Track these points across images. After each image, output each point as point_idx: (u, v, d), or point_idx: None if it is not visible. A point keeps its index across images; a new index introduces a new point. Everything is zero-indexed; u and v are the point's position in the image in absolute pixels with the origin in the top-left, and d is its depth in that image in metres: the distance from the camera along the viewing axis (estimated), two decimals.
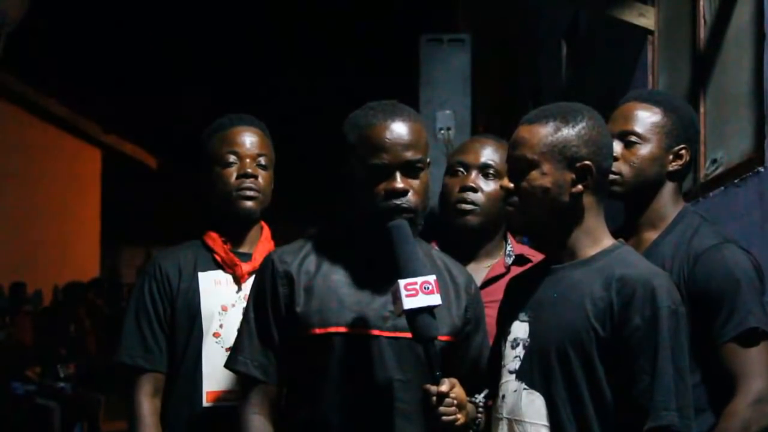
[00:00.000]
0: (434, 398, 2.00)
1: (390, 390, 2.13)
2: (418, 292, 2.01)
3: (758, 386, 2.17)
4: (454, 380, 2.04)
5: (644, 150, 2.38)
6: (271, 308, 2.20)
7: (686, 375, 1.91)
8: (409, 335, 2.09)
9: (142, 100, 14.19)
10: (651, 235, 2.39)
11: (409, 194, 2.14)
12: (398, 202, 2.13)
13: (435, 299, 2.02)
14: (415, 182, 2.15)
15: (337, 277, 2.19)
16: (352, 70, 12.26)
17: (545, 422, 1.96)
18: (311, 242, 2.27)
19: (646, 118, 2.40)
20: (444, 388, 2.00)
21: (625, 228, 2.44)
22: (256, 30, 12.27)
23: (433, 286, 2.02)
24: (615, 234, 2.19)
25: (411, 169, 2.15)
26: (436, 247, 2.58)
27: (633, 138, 2.38)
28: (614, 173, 2.35)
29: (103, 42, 12.31)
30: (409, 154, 2.14)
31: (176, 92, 13.89)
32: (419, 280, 2.02)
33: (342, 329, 2.14)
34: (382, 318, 2.15)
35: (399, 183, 2.13)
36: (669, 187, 2.41)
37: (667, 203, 2.40)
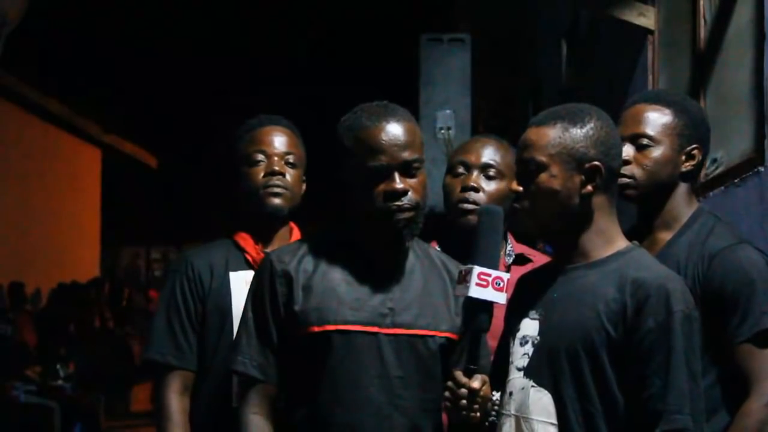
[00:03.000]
0: (464, 391, 2.01)
1: (389, 387, 2.14)
2: (489, 285, 2.02)
3: None
4: (486, 378, 2.05)
5: (657, 152, 2.37)
6: (269, 307, 2.21)
7: (699, 379, 1.91)
8: (407, 331, 2.10)
9: (143, 100, 14.18)
10: (665, 236, 2.38)
11: (409, 194, 2.15)
12: (399, 203, 2.13)
13: (501, 298, 2.04)
14: (414, 181, 2.16)
15: (336, 275, 2.20)
16: (352, 69, 12.25)
17: (553, 420, 1.96)
18: (309, 242, 2.28)
19: (656, 120, 2.38)
20: (476, 384, 2.01)
21: (639, 229, 2.44)
22: (256, 29, 12.28)
23: (504, 285, 2.04)
24: (629, 235, 2.19)
25: (409, 169, 2.16)
26: (437, 247, 2.59)
27: (645, 141, 2.37)
28: (627, 177, 2.35)
29: (103, 41, 12.31)
30: (406, 155, 2.15)
31: (177, 92, 13.89)
32: (494, 273, 2.03)
33: (340, 327, 2.14)
34: (380, 315, 2.16)
35: (398, 184, 2.13)
36: (682, 188, 2.40)
37: (681, 204, 2.40)
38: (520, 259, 2.68)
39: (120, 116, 14.31)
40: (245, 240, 2.66)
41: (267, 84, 13.14)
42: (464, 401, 2.01)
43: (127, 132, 15.24)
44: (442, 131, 6.54)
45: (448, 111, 6.54)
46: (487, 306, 2.04)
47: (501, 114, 10.84)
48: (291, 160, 2.67)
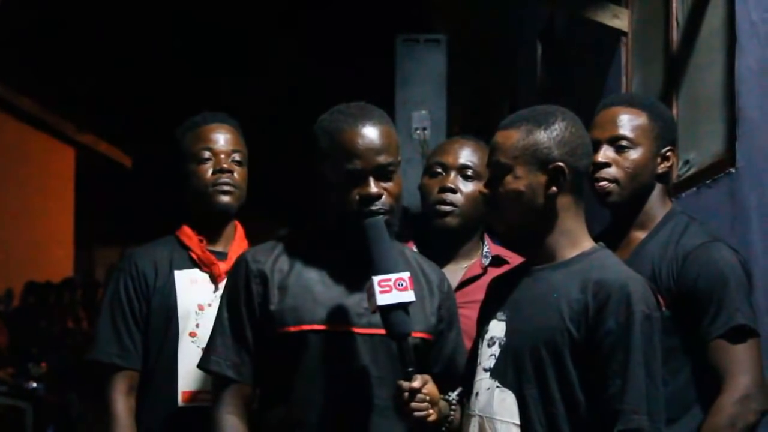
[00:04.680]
0: (406, 394, 2.01)
1: (365, 387, 2.14)
2: (392, 289, 2.03)
3: (745, 382, 2.20)
4: (427, 377, 2.05)
5: (636, 154, 2.40)
6: (244, 307, 2.20)
7: (658, 380, 1.93)
8: (383, 331, 2.11)
9: (117, 99, 14.11)
10: (639, 236, 2.41)
11: (384, 197, 2.15)
12: (373, 207, 2.14)
13: (408, 296, 2.04)
14: (389, 185, 2.17)
15: (311, 275, 2.20)
16: (328, 69, 12.25)
17: (516, 420, 1.97)
18: (284, 242, 2.28)
19: (634, 123, 2.41)
20: (416, 384, 2.02)
21: (613, 229, 2.47)
22: (232, 28, 12.25)
23: (407, 283, 2.04)
24: (603, 235, 2.20)
25: (384, 173, 2.16)
26: (414, 248, 2.60)
27: (624, 143, 2.40)
28: (609, 180, 2.38)
29: (78, 41, 12.23)
30: (382, 159, 2.15)
31: (152, 91, 13.83)
32: (393, 276, 2.03)
33: (316, 327, 2.15)
34: (356, 315, 2.16)
35: (373, 188, 2.14)
36: (658, 189, 2.44)
37: (656, 204, 2.43)
38: (497, 261, 2.69)
39: (94, 116, 14.23)
40: (189, 238, 2.66)
41: (242, 83, 13.11)
42: (409, 403, 2.01)
43: (102, 132, 15.15)
44: (418, 131, 6.56)
45: (423, 111, 6.57)
46: (401, 308, 2.03)
47: (477, 115, 10.87)
48: (237, 158, 2.67)
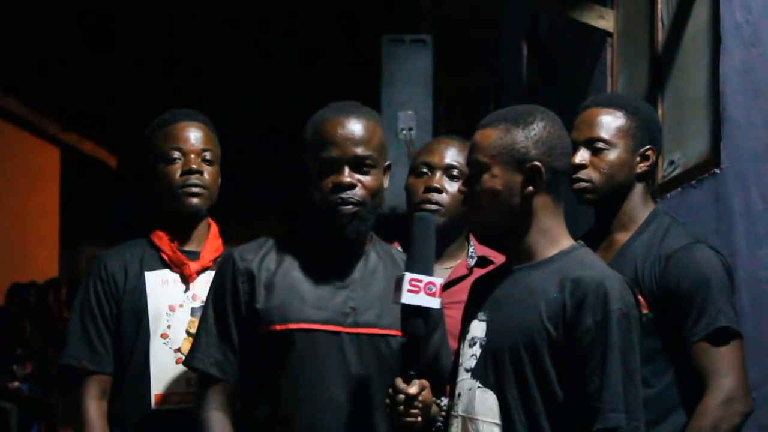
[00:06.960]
0: (402, 397, 2.01)
1: (350, 386, 2.15)
2: (421, 291, 2.02)
3: (729, 385, 2.21)
4: (425, 382, 2.05)
5: (612, 155, 2.41)
6: (230, 305, 2.20)
7: (636, 377, 1.92)
8: (369, 331, 2.11)
9: (103, 99, 14.06)
10: (622, 237, 2.42)
11: (357, 188, 2.15)
12: (344, 195, 2.14)
13: (435, 302, 2.03)
14: (365, 178, 2.17)
15: (298, 273, 2.20)
16: (313, 69, 12.23)
17: (498, 420, 1.97)
18: (272, 240, 2.28)
19: (610, 123, 2.42)
20: (413, 390, 2.02)
21: (597, 231, 2.47)
22: (216, 27, 12.20)
23: (436, 289, 2.03)
24: (587, 237, 2.20)
25: (360, 165, 2.17)
26: (399, 248, 2.60)
27: (600, 144, 2.41)
28: (585, 181, 2.39)
29: (63, 40, 12.18)
30: (359, 150, 2.16)
31: (137, 91, 13.78)
32: (425, 279, 2.03)
33: (303, 325, 2.15)
34: (342, 314, 2.17)
35: (346, 177, 2.14)
36: (638, 189, 2.44)
37: (638, 205, 2.44)
38: (483, 261, 2.69)
39: (80, 115, 14.18)
40: (161, 239, 2.62)
41: (226, 84, 13.08)
42: (402, 407, 2.02)
43: (87, 131, 15.09)
44: (404, 132, 6.57)
45: (409, 112, 6.58)
46: (422, 311, 2.03)
47: (462, 115, 10.89)
48: (208, 157, 2.62)
